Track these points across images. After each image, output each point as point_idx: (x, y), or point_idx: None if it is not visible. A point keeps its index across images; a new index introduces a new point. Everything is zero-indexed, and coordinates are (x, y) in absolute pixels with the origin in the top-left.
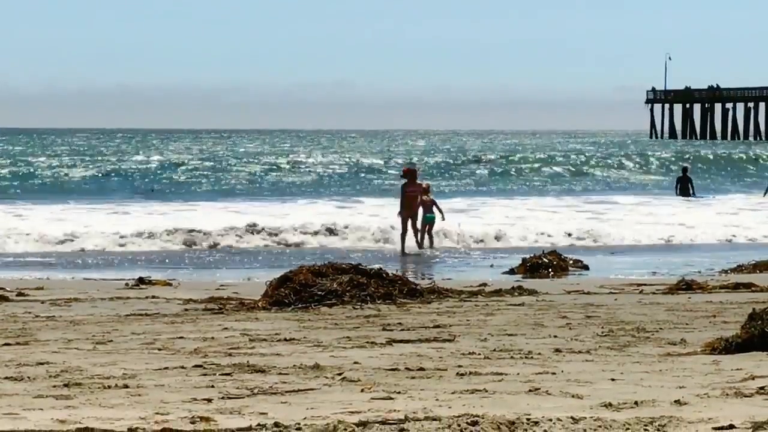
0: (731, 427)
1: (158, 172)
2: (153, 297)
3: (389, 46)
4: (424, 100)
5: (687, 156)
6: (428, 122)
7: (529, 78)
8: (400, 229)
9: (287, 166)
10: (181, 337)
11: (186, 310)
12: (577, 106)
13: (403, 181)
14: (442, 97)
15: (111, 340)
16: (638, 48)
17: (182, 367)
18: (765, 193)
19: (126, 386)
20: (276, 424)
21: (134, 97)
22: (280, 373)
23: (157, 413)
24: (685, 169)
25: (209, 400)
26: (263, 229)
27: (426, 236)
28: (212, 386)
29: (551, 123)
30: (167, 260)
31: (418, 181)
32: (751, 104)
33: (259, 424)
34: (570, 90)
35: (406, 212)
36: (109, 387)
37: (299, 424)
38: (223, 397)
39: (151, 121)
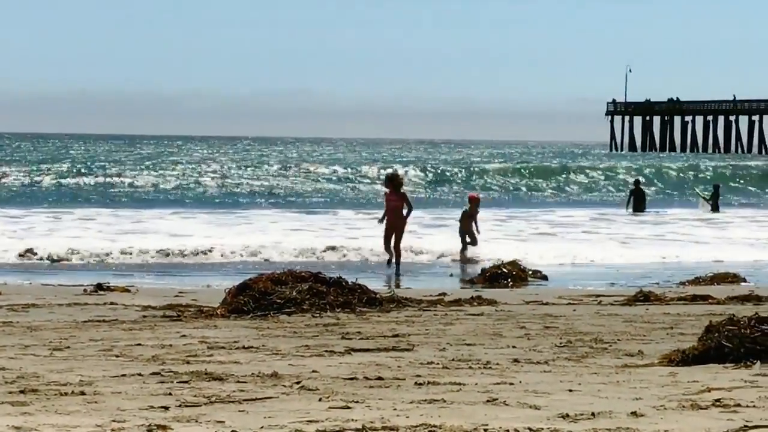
0: None
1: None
2: (111, 303)
3: (349, 55)
4: (384, 110)
5: (636, 169)
6: (387, 131)
7: (490, 88)
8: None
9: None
10: (139, 344)
11: (144, 316)
12: (539, 118)
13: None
14: (402, 107)
15: (68, 347)
16: (600, 60)
17: (139, 375)
18: (706, 201)
19: (83, 393)
20: None
21: (94, 102)
22: (238, 381)
23: (113, 421)
24: (637, 182)
25: (166, 408)
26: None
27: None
28: (169, 394)
29: (512, 134)
30: (124, 266)
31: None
32: (710, 117)
33: None
34: (531, 101)
35: (387, 221)
36: (66, 394)
37: None
38: (180, 405)
39: (111, 127)
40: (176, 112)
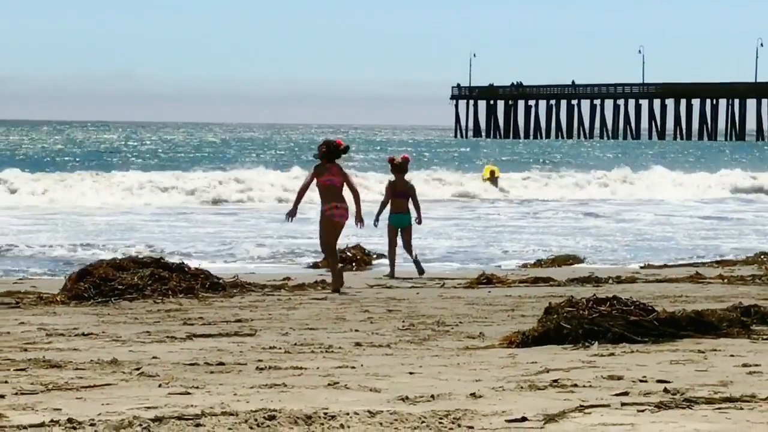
0: (524, 419)
1: None
2: None
3: (169, 37)
4: (206, 92)
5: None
6: (210, 115)
7: (323, 72)
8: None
9: None
10: None
11: None
12: (386, 101)
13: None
14: (225, 90)
15: None
16: (445, 45)
17: None
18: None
19: None
20: (69, 420)
21: None
22: (77, 369)
23: None
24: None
25: (2, 396)
26: None
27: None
28: (5, 382)
29: (355, 117)
30: None
31: None
32: (552, 102)
33: (52, 420)
34: (379, 85)
35: (325, 207)
36: None
37: (93, 419)
38: (16, 393)
39: None
40: None
